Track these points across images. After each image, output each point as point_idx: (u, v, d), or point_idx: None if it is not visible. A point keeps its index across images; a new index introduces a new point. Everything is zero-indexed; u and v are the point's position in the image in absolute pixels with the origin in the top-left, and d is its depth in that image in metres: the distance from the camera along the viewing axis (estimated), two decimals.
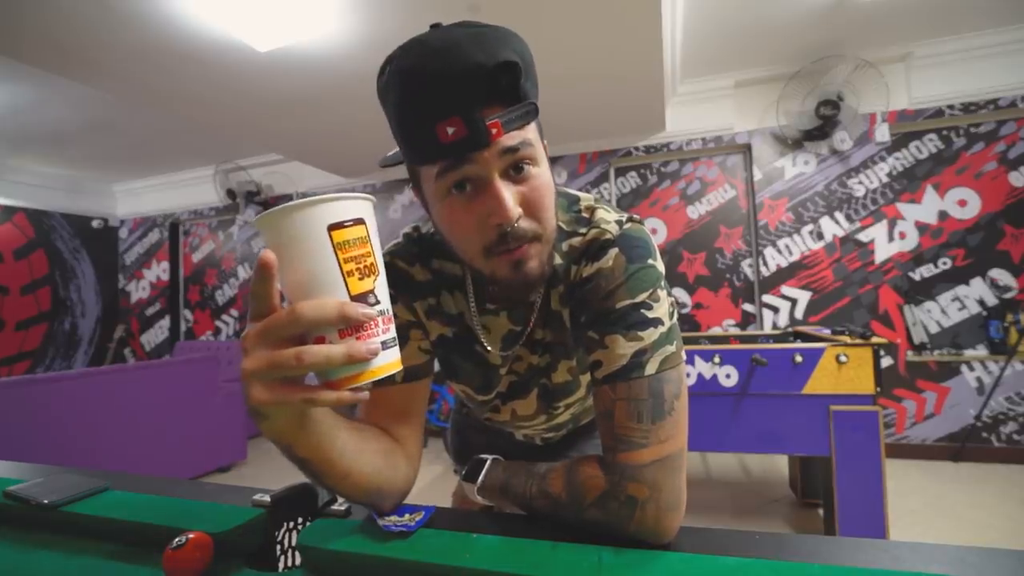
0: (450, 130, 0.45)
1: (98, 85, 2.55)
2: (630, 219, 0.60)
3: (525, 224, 0.50)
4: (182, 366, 3.05)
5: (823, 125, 3.16)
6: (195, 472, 3.04)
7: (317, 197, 0.36)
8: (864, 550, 0.46)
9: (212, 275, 5.23)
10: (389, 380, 0.60)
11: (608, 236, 0.58)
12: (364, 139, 3.50)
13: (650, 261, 0.57)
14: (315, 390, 0.38)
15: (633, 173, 3.77)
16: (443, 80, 0.44)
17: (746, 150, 3.52)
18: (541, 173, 0.52)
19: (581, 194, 0.65)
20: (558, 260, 0.61)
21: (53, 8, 1.89)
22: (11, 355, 4.76)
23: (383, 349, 0.38)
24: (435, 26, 0.50)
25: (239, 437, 3.37)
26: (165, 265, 5.41)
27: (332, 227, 0.37)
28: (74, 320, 5.28)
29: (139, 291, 5.58)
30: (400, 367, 0.41)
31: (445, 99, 0.45)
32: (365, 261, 0.38)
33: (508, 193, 0.49)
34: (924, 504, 2.43)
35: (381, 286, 0.40)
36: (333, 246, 0.37)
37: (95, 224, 5.50)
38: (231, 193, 4.71)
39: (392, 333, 0.40)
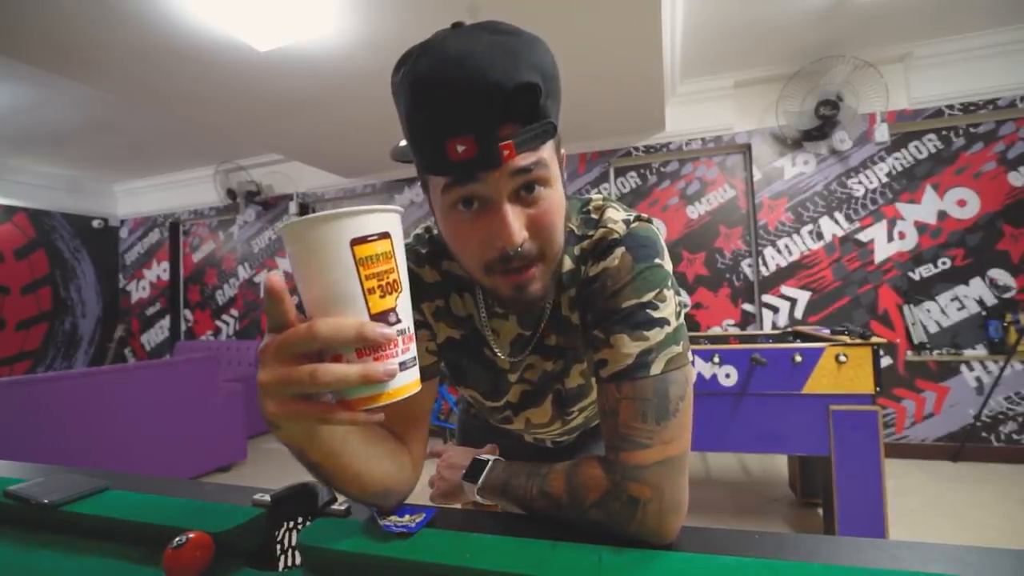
0: (460, 148, 0.44)
1: (98, 85, 2.55)
2: (638, 218, 0.59)
3: (529, 246, 0.50)
4: (182, 366, 3.05)
5: (823, 125, 3.16)
6: (195, 472, 3.04)
7: (343, 210, 0.35)
8: (863, 550, 0.46)
9: (212, 275, 5.23)
10: None
11: (615, 235, 0.57)
12: (364, 139, 3.50)
13: (657, 261, 0.56)
14: (329, 408, 0.38)
15: (633, 173, 3.78)
16: (457, 95, 0.43)
17: (746, 150, 3.52)
18: (551, 193, 0.50)
19: (592, 195, 0.64)
20: (569, 265, 0.61)
21: (53, 8, 1.89)
22: (12, 355, 4.76)
23: (401, 370, 0.37)
24: (457, 25, 0.48)
25: (239, 437, 3.37)
26: (165, 265, 5.41)
27: (355, 241, 0.36)
28: (74, 320, 5.28)
29: (139, 291, 5.58)
30: (419, 387, 0.40)
31: (457, 116, 0.43)
32: (388, 278, 0.37)
33: (515, 217, 0.48)
34: (923, 504, 2.43)
35: (403, 303, 0.38)
36: (355, 262, 0.36)
37: (95, 224, 5.50)
38: (231, 193, 4.71)
39: (412, 353, 0.39)
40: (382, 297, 0.37)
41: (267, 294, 0.36)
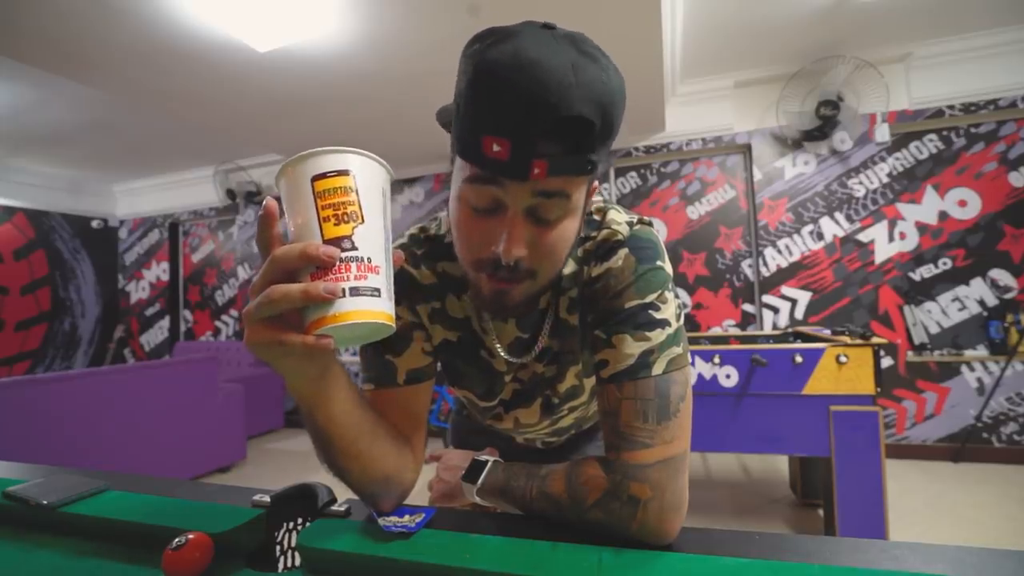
0: (495, 147, 0.43)
1: (97, 85, 2.55)
2: (640, 220, 0.60)
3: (524, 264, 0.49)
4: (182, 366, 3.05)
5: (823, 125, 3.16)
6: (195, 472, 3.04)
7: (306, 152, 0.40)
8: (864, 550, 0.46)
9: (212, 275, 5.23)
10: (391, 381, 0.61)
11: (619, 237, 0.58)
12: (364, 139, 3.50)
13: (659, 263, 0.57)
14: (286, 331, 0.39)
15: (633, 173, 3.78)
16: (509, 98, 0.41)
17: (746, 150, 3.52)
18: (567, 223, 0.49)
19: (593, 198, 0.65)
20: (571, 267, 0.61)
21: (52, 8, 1.89)
22: (11, 355, 4.76)
23: (352, 295, 0.38)
24: (549, 27, 0.45)
25: (239, 437, 3.37)
26: (165, 265, 5.41)
27: (315, 178, 0.40)
28: (74, 320, 5.28)
29: (139, 291, 5.58)
30: (386, 320, 0.40)
31: (502, 117, 0.42)
32: (345, 208, 0.40)
33: (521, 231, 0.47)
34: (924, 504, 2.43)
35: (364, 234, 0.40)
36: (314, 195, 0.39)
37: (95, 224, 5.50)
38: (231, 193, 4.71)
39: (373, 283, 0.39)
40: (336, 225, 0.39)
41: (259, 219, 0.40)
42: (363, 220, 0.40)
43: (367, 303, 0.39)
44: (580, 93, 0.41)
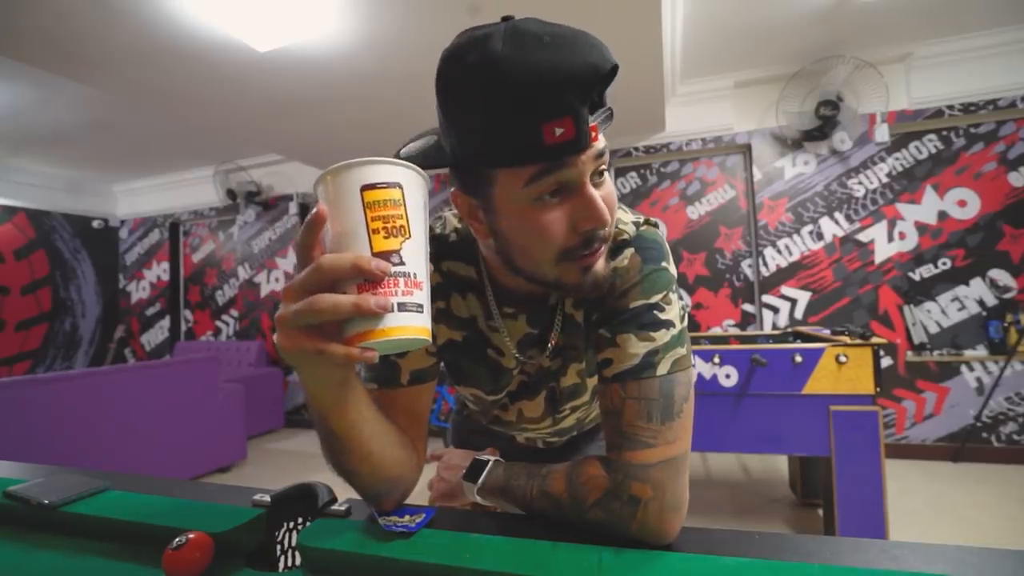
0: (558, 131, 0.42)
1: (98, 85, 2.55)
2: (646, 221, 0.60)
3: (604, 228, 0.50)
4: (182, 366, 3.05)
5: (823, 125, 3.16)
6: (195, 472, 3.04)
7: (359, 159, 0.39)
8: (864, 550, 0.46)
9: (212, 275, 5.23)
10: (394, 382, 0.61)
11: (625, 236, 0.58)
12: (364, 139, 3.50)
13: (664, 264, 0.57)
14: (327, 341, 0.38)
15: (633, 173, 3.78)
16: (560, 76, 0.41)
17: (746, 150, 3.52)
18: (609, 177, 0.51)
19: None
20: None
21: (52, 8, 1.89)
22: (11, 355, 4.76)
23: (400, 310, 0.38)
24: (508, 18, 0.46)
25: (239, 437, 3.37)
26: (165, 265, 5.41)
27: (365, 187, 0.39)
28: (74, 320, 5.28)
29: (139, 291, 5.58)
30: (425, 336, 0.39)
31: (560, 97, 0.42)
32: (394, 222, 0.39)
33: (598, 196, 0.47)
34: (924, 504, 2.43)
35: (411, 249, 0.40)
36: (363, 205, 0.38)
37: (95, 224, 5.50)
38: (231, 193, 4.71)
39: (417, 299, 0.39)
40: (386, 238, 0.39)
41: (307, 222, 0.38)
42: (410, 235, 0.40)
43: (412, 319, 0.38)
44: (599, 48, 0.44)
